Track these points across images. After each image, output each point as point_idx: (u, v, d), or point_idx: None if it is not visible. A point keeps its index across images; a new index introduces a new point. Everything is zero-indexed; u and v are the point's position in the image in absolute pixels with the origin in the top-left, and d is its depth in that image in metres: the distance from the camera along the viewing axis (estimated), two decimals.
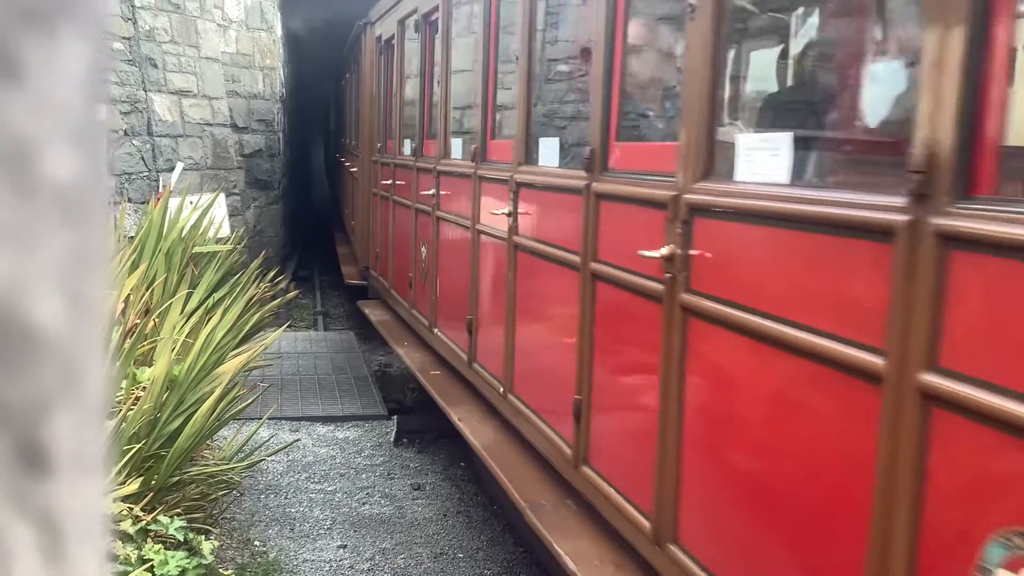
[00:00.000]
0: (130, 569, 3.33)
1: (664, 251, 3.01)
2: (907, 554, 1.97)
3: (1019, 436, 1.71)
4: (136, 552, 3.50)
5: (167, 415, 4.30)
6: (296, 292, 9.60)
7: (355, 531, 5.27)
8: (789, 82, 4.06)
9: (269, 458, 5.80)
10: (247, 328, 6.21)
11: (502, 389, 4.87)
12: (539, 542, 3.86)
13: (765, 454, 2.61)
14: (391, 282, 8.39)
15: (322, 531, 5.27)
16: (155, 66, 9.55)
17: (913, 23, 2.63)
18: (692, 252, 2.91)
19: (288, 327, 9.22)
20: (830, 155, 3.27)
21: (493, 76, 5.39)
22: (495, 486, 4.62)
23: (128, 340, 4.41)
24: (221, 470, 4.76)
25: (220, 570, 4.32)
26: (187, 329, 5.16)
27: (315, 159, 24.75)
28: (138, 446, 3.92)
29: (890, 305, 2.02)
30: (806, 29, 4.10)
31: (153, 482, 4.07)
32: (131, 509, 3.61)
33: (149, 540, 3.68)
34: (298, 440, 6.57)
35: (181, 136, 9.98)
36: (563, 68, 5.39)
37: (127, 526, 3.55)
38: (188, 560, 3.88)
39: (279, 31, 12.89)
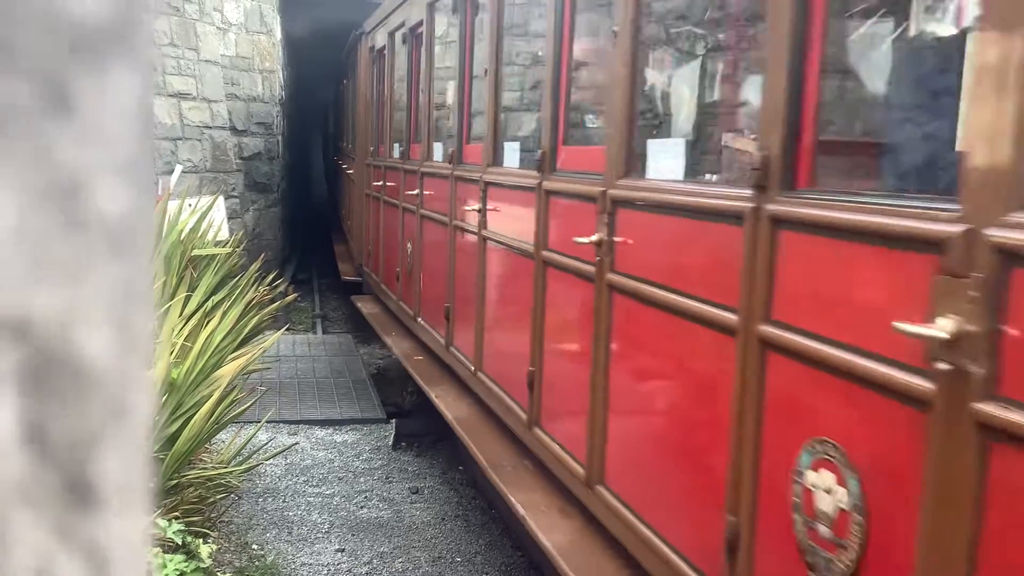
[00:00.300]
0: None
1: (594, 238, 3.58)
2: (753, 465, 2.56)
3: (824, 370, 2.27)
4: None
5: (165, 418, 4.29)
6: (295, 295, 9.60)
7: (353, 535, 5.27)
8: (686, 97, 5.05)
9: (267, 461, 5.80)
10: (246, 331, 6.20)
11: (473, 368, 5.42)
12: (505, 503, 4.33)
13: (666, 404, 3.26)
14: (381, 277, 8.98)
15: (320, 535, 5.26)
16: (154, 69, 9.55)
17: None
18: (616, 238, 3.49)
19: (287, 330, 9.22)
20: (710, 157, 4.04)
21: (468, 85, 6.01)
22: (471, 460, 5.10)
23: None
24: (219, 473, 4.75)
25: (218, 573, 4.32)
26: (186, 332, 5.15)
27: (314, 162, 24.75)
28: None
29: (741, 274, 2.60)
30: (695, 55, 5.33)
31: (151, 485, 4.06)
32: None
33: None
34: (296, 443, 6.56)
35: (180, 139, 9.98)
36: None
37: None
38: (186, 564, 3.88)
39: (279, 34, 12.89)
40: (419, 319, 7.05)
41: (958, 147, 2.31)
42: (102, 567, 0.26)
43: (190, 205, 7.13)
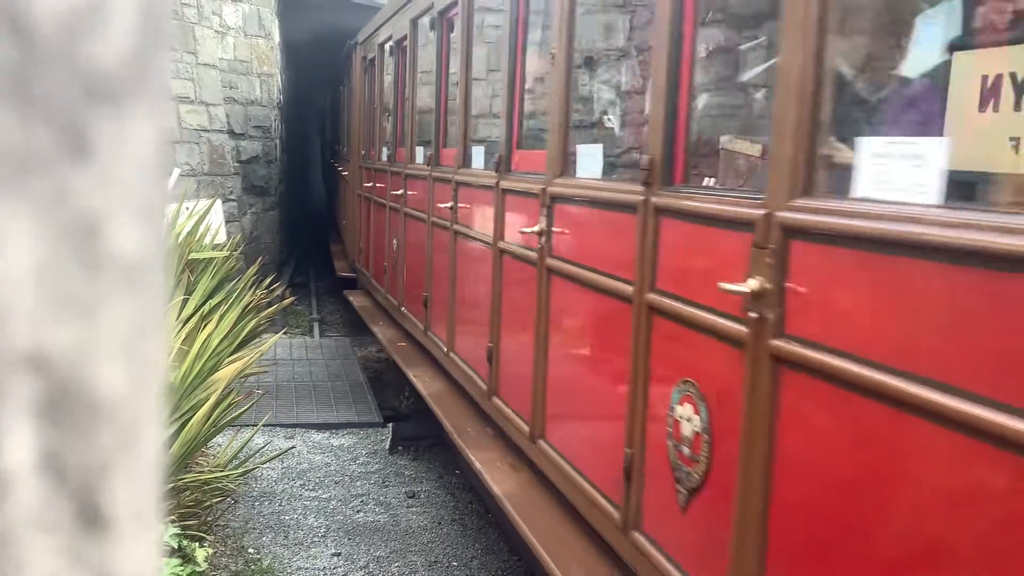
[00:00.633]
0: None
1: (536, 228, 4.20)
2: (643, 406, 3.20)
3: (685, 324, 2.90)
4: None
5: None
6: (292, 299, 9.60)
7: (349, 539, 5.27)
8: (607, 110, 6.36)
9: (264, 465, 5.80)
10: (243, 335, 6.20)
11: (446, 349, 6.11)
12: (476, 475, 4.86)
13: (586, 365, 3.91)
14: (371, 272, 9.77)
15: (316, 539, 5.26)
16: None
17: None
18: (555, 229, 4.10)
19: (284, 333, 9.22)
20: (616, 158, 4.89)
21: (445, 93, 6.69)
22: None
23: None
24: (216, 477, 4.75)
25: None
26: (183, 335, 5.16)
27: (312, 166, 24.74)
28: None
29: (636, 253, 3.23)
30: (611, 71, 6.52)
31: None
32: None
33: None
34: (293, 447, 6.57)
35: (178, 142, 9.99)
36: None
37: None
38: (182, 567, 3.88)
39: (277, 38, 12.90)
40: (402, 308, 7.76)
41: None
42: None
43: (187, 208, 7.14)
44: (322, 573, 4.85)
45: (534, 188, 4.32)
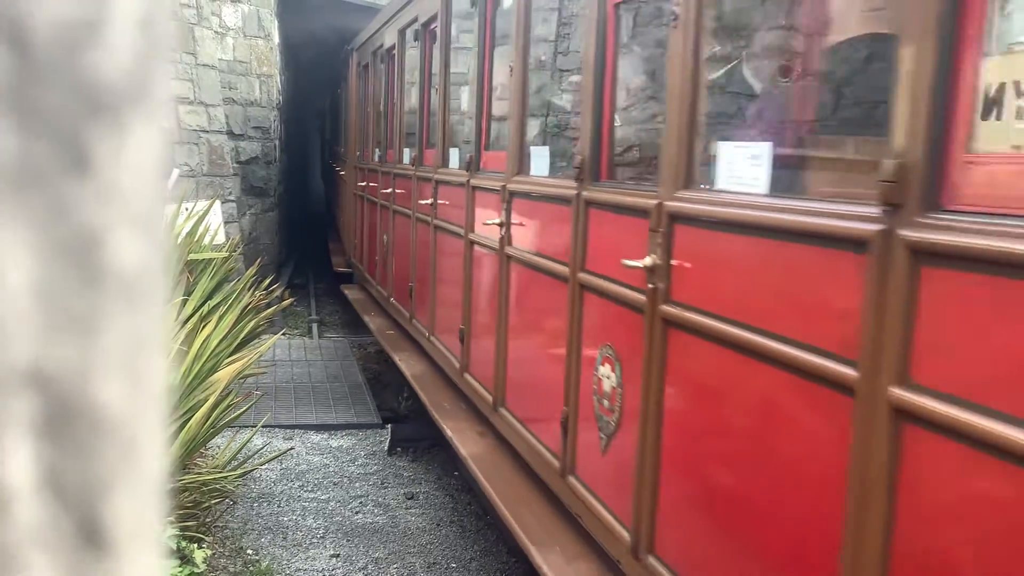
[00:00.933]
0: None
1: (497, 220, 4.81)
2: (576, 370, 3.81)
3: (605, 297, 3.50)
4: None
5: None
6: (291, 300, 9.60)
7: (348, 540, 5.27)
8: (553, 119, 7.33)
9: (262, 466, 5.79)
10: (242, 335, 6.19)
11: (427, 334, 6.70)
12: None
13: (537, 340, 4.51)
14: (365, 266, 10.41)
15: (315, 540, 5.26)
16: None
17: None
18: (513, 220, 4.69)
19: (283, 334, 9.21)
20: (561, 159, 5.29)
21: (428, 98, 7.27)
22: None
23: None
24: (214, 478, 4.75)
25: None
26: (182, 336, 5.15)
27: (311, 166, 24.70)
28: None
29: (571, 238, 3.83)
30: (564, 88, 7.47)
31: None
32: None
33: None
34: (292, 448, 6.56)
35: (177, 143, 9.98)
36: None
37: None
38: (180, 569, 3.88)
39: (276, 39, 12.89)
40: (391, 299, 8.38)
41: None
42: None
43: (186, 209, 7.14)
44: (320, 574, 4.85)
45: (496, 185, 4.93)
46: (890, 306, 1.98)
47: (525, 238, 4.57)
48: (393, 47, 8.73)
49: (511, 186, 4.70)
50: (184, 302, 5.81)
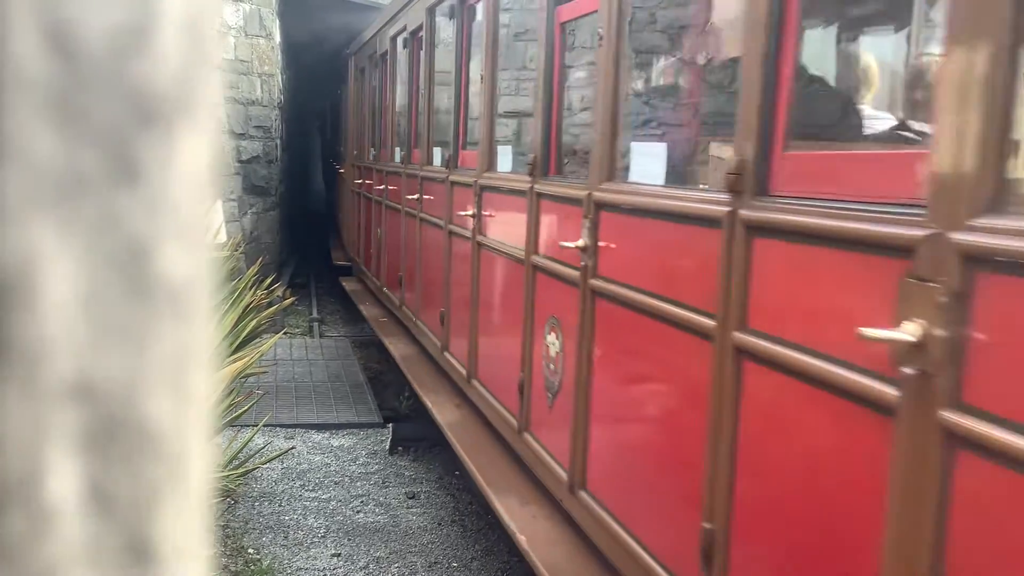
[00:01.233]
0: None
1: (471, 212, 5.43)
2: (530, 339, 4.40)
3: (549, 275, 4.10)
4: None
5: None
6: (292, 299, 9.59)
7: (349, 539, 5.26)
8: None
9: (264, 465, 5.79)
10: (243, 335, 6.19)
11: (414, 318, 7.37)
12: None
13: (500, 317, 5.10)
14: (362, 259, 11.10)
15: (316, 539, 5.26)
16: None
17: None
18: (483, 212, 5.30)
19: (284, 334, 9.21)
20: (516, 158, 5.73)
21: (416, 101, 7.88)
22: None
23: None
24: (216, 477, 4.74)
25: None
26: None
27: (313, 165, 24.66)
28: None
29: (526, 227, 4.46)
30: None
31: None
32: None
33: None
34: (293, 448, 6.56)
35: None
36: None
37: None
38: None
39: (278, 38, 12.88)
40: (384, 289, 9.03)
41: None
42: None
43: None
44: (322, 574, 4.85)
45: (469, 180, 5.54)
46: (734, 270, 2.56)
47: (493, 227, 5.19)
48: (386, 53, 9.41)
49: (481, 181, 5.34)
50: None
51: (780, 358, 2.35)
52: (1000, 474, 1.66)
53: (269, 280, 7.75)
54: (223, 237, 7.86)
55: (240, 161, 11.49)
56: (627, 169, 3.56)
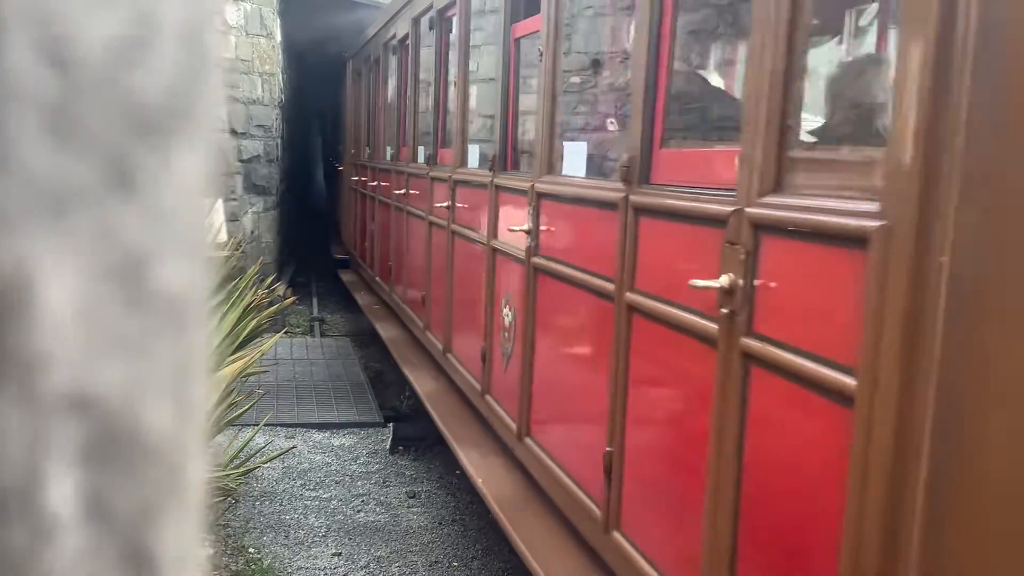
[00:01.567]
0: None
1: (446, 204, 6.06)
2: (491, 313, 5.01)
3: (506, 257, 4.69)
4: None
5: None
6: (293, 298, 9.59)
7: (350, 539, 5.26)
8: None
9: (264, 465, 5.79)
10: (244, 334, 6.18)
11: (401, 303, 8.07)
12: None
13: (467, 293, 5.70)
14: (358, 252, 11.76)
15: (317, 538, 5.26)
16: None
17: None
18: (457, 204, 5.92)
19: (285, 333, 9.21)
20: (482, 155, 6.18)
21: (404, 103, 8.54)
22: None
23: None
24: (216, 477, 4.74)
25: None
26: None
27: (314, 164, 24.61)
28: None
29: (487, 216, 5.12)
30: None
31: None
32: None
33: None
34: (294, 447, 6.56)
35: None
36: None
37: None
38: None
39: (279, 37, 12.87)
40: (377, 278, 9.71)
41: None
42: None
43: None
44: (323, 573, 4.85)
45: (446, 175, 6.19)
46: (626, 243, 3.18)
47: (464, 217, 5.78)
48: (379, 58, 10.12)
49: (455, 176, 5.97)
50: None
51: (652, 310, 3.02)
52: (776, 380, 2.27)
53: (270, 279, 7.75)
54: (224, 236, 7.85)
55: (241, 160, 11.49)
56: (561, 163, 4.22)
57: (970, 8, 1.69)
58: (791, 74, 2.27)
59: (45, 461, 0.24)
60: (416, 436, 6.85)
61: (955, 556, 1.82)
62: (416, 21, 7.69)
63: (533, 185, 4.27)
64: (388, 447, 6.79)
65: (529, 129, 5.26)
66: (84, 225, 0.25)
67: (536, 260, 4.21)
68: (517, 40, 4.98)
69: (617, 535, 3.28)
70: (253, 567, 4.83)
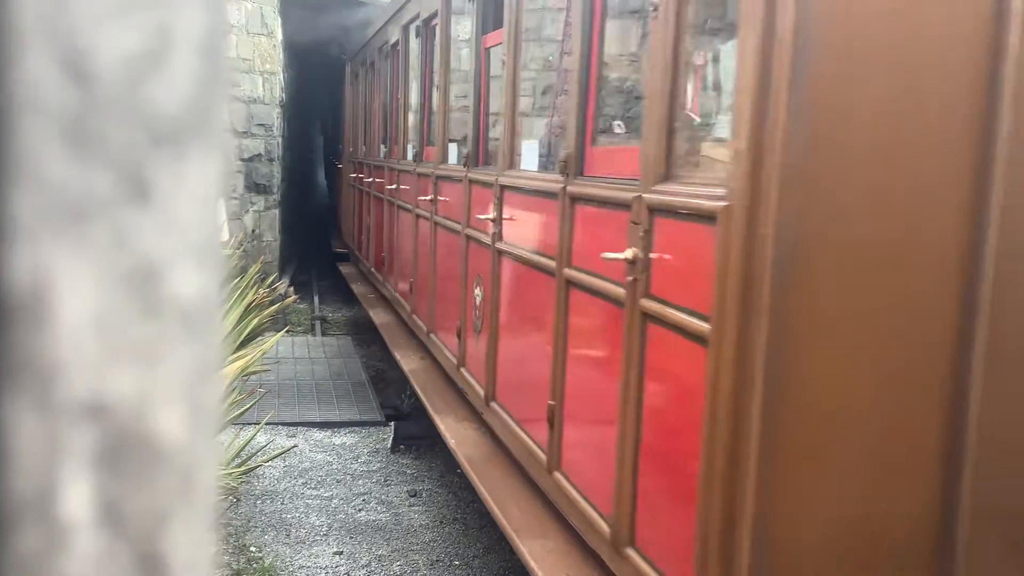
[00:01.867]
0: None
1: (430, 198, 6.56)
2: (466, 293, 5.47)
3: (477, 243, 5.18)
4: None
5: None
6: (294, 297, 9.59)
7: (351, 537, 5.27)
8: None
9: (266, 463, 5.79)
10: (245, 333, 6.19)
11: (393, 291, 8.56)
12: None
13: (446, 277, 6.15)
14: (356, 245, 12.33)
15: (318, 537, 5.26)
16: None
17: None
18: (439, 197, 6.36)
19: (286, 332, 9.21)
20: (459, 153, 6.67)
21: (396, 104, 9.11)
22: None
23: None
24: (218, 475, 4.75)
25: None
26: None
27: (315, 163, 24.59)
28: None
29: (463, 206, 5.55)
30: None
31: None
32: None
33: None
34: (295, 446, 6.56)
35: None
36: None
37: None
38: None
39: (279, 36, 12.87)
40: (372, 269, 10.23)
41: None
42: None
43: None
44: (324, 572, 4.85)
45: (429, 171, 6.70)
46: (563, 225, 3.72)
47: (444, 208, 6.25)
48: (373, 62, 10.75)
49: (437, 172, 6.45)
50: None
51: (583, 282, 3.55)
52: (664, 332, 2.80)
53: (271, 278, 7.76)
54: (225, 235, 7.86)
55: (242, 159, 11.49)
56: (520, 159, 4.79)
57: (785, 30, 2.20)
58: (676, 83, 2.84)
59: (60, 467, 0.25)
60: (417, 435, 6.86)
61: (785, 460, 2.31)
62: (406, 28, 8.25)
63: (497, 179, 4.78)
64: (389, 446, 6.79)
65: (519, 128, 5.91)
66: (100, 234, 0.25)
67: (499, 245, 4.74)
68: (487, 49, 5.52)
69: (557, 474, 3.85)
70: (254, 566, 4.83)
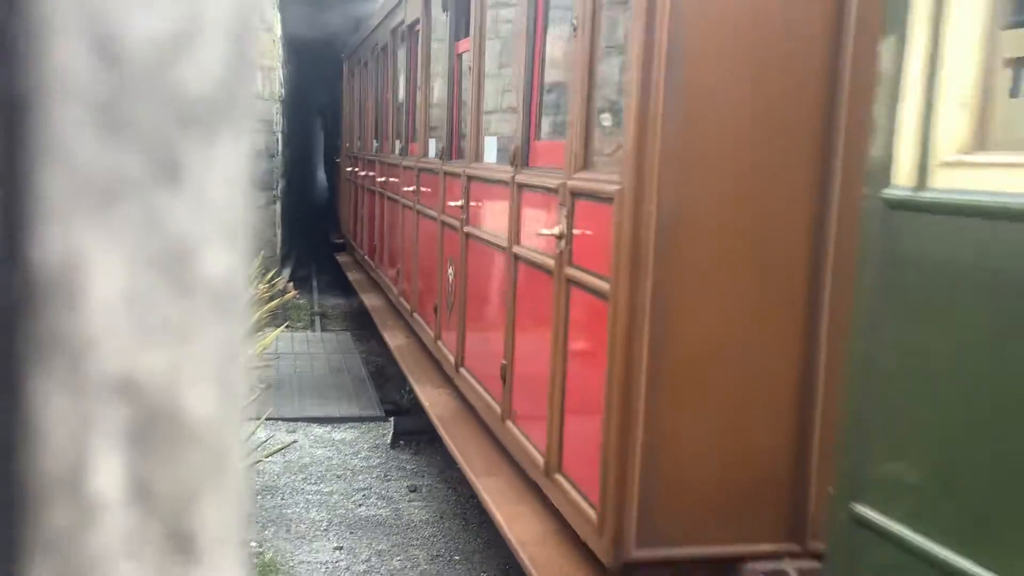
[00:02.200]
0: None
1: (413, 188, 7.16)
2: (441, 274, 6.13)
3: (450, 229, 5.92)
4: None
5: None
6: (294, 293, 9.60)
7: (351, 532, 5.28)
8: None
9: (266, 459, 5.80)
10: None
11: (383, 276, 9.23)
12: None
13: (427, 263, 6.70)
14: (352, 235, 12.99)
15: (318, 532, 5.27)
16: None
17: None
18: (421, 188, 6.98)
19: (286, 327, 9.21)
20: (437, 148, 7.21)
21: (387, 102, 9.77)
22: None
23: None
24: None
25: None
26: None
27: (315, 160, 24.59)
28: None
29: (439, 196, 6.19)
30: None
31: None
32: None
33: None
34: (295, 441, 6.56)
35: None
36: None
37: None
38: None
39: (279, 31, 12.86)
40: (366, 257, 10.83)
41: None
42: None
43: None
44: (324, 567, 4.86)
45: (412, 164, 7.29)
46: (511, 210, 4.31)
47: (425, 198, 6.79)
48: (367, 62, 11.38)
49: (419, 165, 7.04)
50: None
51: (527, 256, 4.10)
52: (582, 294, 3.37)
53: (271, 275, 7.76)
54: None
55: None
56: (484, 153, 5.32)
57: (663, 32, 2.78)
58: (593, 89, 3.43)
59: (91, 443, 0.25)
60: (417, 430, 6.86)
61: (668, 393, 2.92)
62: (393, 32, 8.91)
63: (465, 170, 5.38)
64: (389, 441, 6.80)
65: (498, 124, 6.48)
66: (132, 215, 0.25)
67: (467, 229, 5.31)
68: (460, 55, 6.04)
69: (509, 423, 4.43)
70: (255, 561, 4.84)
